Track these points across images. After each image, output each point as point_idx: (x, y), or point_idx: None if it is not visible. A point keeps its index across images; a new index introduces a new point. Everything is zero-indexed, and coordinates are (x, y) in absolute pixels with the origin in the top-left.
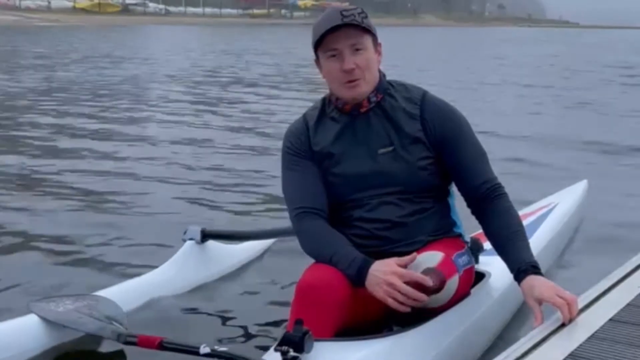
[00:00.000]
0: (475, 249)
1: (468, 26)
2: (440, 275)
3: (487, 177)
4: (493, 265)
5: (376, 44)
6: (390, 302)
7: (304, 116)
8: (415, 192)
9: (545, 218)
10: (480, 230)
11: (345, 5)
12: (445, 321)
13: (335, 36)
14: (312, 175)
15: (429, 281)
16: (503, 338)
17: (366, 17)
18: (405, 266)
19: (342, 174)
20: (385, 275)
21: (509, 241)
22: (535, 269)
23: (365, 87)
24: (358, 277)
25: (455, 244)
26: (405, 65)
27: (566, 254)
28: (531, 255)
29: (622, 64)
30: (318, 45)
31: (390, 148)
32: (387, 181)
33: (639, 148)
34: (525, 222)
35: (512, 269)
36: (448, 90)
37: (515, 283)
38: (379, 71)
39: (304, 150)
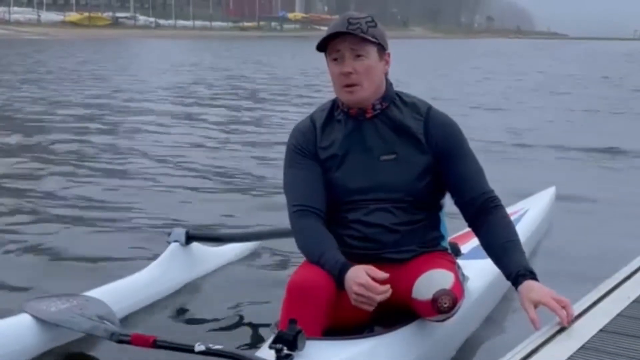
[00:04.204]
0: (454, 253)
1: (456, 38)
2: (454, 297)
3: (485, 189)
4: (470, 268)
5: (383, 53)
6: (363, 307)
7: (311, 116)
8: (410, 202)
9: (517, 223)
10: (457, 234)
11: (354, 13)
12: (427, 323)
13: (339, 40)
14: (314, 175)
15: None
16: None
17: (374, 26)
18: (377, 281)
19: (343, 175)
20: (353, 285)
21: (507, 250)
22: (532, 275)
23: (363, 93)
24: (338, 281)
25: (449, 261)
26: None
27: (536, 258)
28: (527, 262)
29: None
30: (325, 48)
31: (393, 156)
32: (385, 188)
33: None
34: None
35: (509, 274)
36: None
37: (491, 286)
38: (387, 80)
39: (309, 149)
